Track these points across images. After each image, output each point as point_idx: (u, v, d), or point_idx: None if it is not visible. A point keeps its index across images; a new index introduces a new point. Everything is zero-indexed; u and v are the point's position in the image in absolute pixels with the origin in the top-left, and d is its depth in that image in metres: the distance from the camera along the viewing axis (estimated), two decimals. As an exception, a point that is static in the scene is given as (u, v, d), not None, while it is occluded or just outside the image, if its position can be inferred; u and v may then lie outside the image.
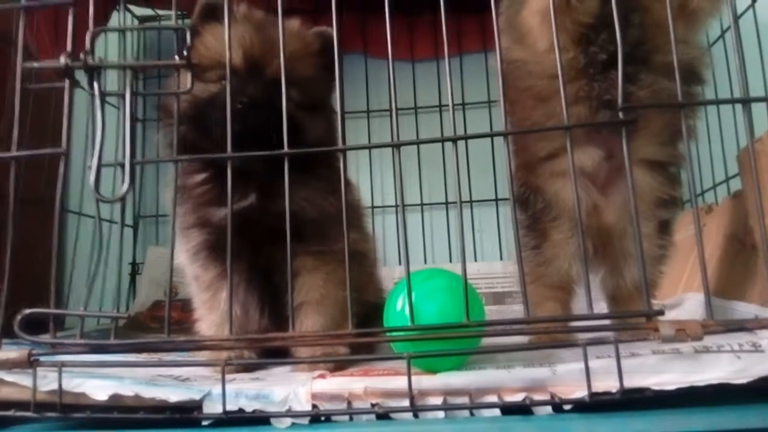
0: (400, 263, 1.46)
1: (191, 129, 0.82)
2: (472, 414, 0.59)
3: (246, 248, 0.81)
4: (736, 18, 0.64)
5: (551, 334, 0.73)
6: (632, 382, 0.56)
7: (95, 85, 0.64)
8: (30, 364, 0.61)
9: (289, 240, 0.63)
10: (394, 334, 0.68)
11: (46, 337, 0.63)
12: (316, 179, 0.77)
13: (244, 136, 0.67)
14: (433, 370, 0.63)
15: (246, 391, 0.61)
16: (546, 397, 0.58)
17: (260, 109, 0.77)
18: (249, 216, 0.79)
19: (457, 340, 0.62)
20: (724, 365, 0.57)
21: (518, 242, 0.62)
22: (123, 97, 0.65)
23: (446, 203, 1.64)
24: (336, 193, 0.90)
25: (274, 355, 0.83)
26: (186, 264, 0.89)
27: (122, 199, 0.63)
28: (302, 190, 0.80)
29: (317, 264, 0.83)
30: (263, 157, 0.67)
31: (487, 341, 0.71)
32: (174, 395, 0.61)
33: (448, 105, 0.63)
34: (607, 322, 0.70)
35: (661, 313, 0.59)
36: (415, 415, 0.59)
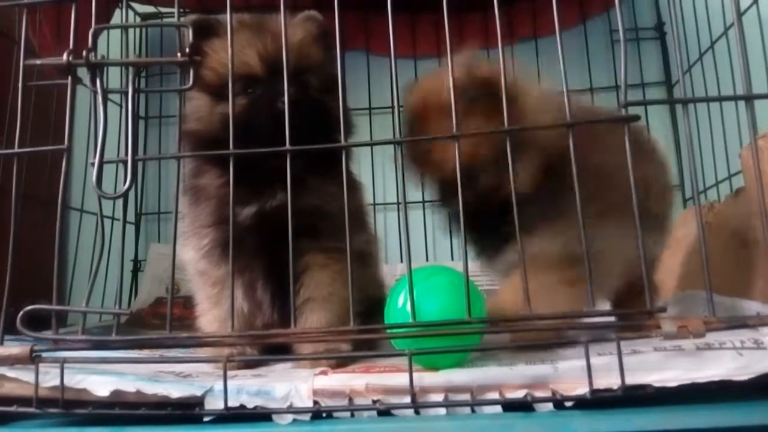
0: (402, 260, 1.46)
1: (240, 147, 0.72)
2: (473, 411, 0.59)
3: (266, 245, 0.83)
4: (740, 15, 0.64)
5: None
6: (634, 378, 0.56)
7: (97, 82, 0.64)
8: (32, 360, 0.62)
9: (291, 237, 0.63)
10: (396, 331, 0.68)
11: (48, 334, 0.63)
12: (339, 174, 0.76)
13: (291, 133, 0.66)
14: (434, 367, 0.63)
15: (247, 388, 0.61)
16: (547, 393, 0.58)
17: (298, 103, 0.74)
18: (275, 214, 0.79)
19: (459, 337, 0.62)
20: (725, 362, 0.57)
21: (521, 242, 0.62)
22: (125, 94, 0.65)
23: (448, 201, 1.64)
24: (355, 189, 0.92)
25: (278, 351, 0.83)
26: (193, 260, 0.89)
27: (124, 196, 0.63)
28: (327, 185, 0.81)
29: (328, 261, 0.84)
30: (266, 154, 0.67)
31: (489, 338, 0.71)
32: (176, 391, 0.61)
33: (449, 102, 0.63)
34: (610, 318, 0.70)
35: (663, 310, 0.59)
36: (417, 412, 0.59)
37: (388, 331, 0.70)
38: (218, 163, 0.83)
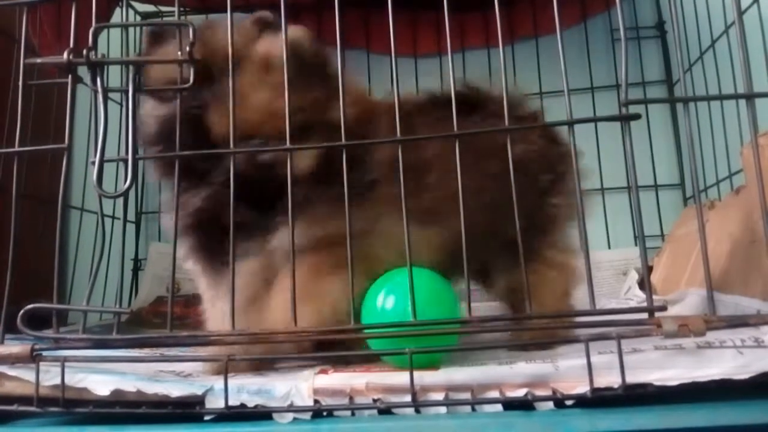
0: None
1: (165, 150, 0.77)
2: (473, 409, 0.59)
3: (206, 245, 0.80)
4: (741, 13, 0.64)
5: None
6: (634, 377, 0.56)
7: (98, 81, 0.64)
8: (33, 358, 0.62)
9: (291, 235, 0.63)
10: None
11: (48, 332, 0.63)
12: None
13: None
14: (426, 365, 0.63)
15: (248, 387, 0.61)
16: (548, 392, 0.58)
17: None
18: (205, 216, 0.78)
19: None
20: (726, 361, 0.57)
21: (521, 244, 0.61)
22: (126, 92, 0.65)
23: (448, 199, 1.64)
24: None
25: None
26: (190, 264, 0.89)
27: (125, 195, 0.63)
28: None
29: None
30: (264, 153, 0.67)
31: (489, 337, 0.71)
32: (176, 390, 0.61)
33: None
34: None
35: (664, 308, 0.59)
36: (417, 411, 0.59)
37: (379, 330, 0.70)
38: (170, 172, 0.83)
